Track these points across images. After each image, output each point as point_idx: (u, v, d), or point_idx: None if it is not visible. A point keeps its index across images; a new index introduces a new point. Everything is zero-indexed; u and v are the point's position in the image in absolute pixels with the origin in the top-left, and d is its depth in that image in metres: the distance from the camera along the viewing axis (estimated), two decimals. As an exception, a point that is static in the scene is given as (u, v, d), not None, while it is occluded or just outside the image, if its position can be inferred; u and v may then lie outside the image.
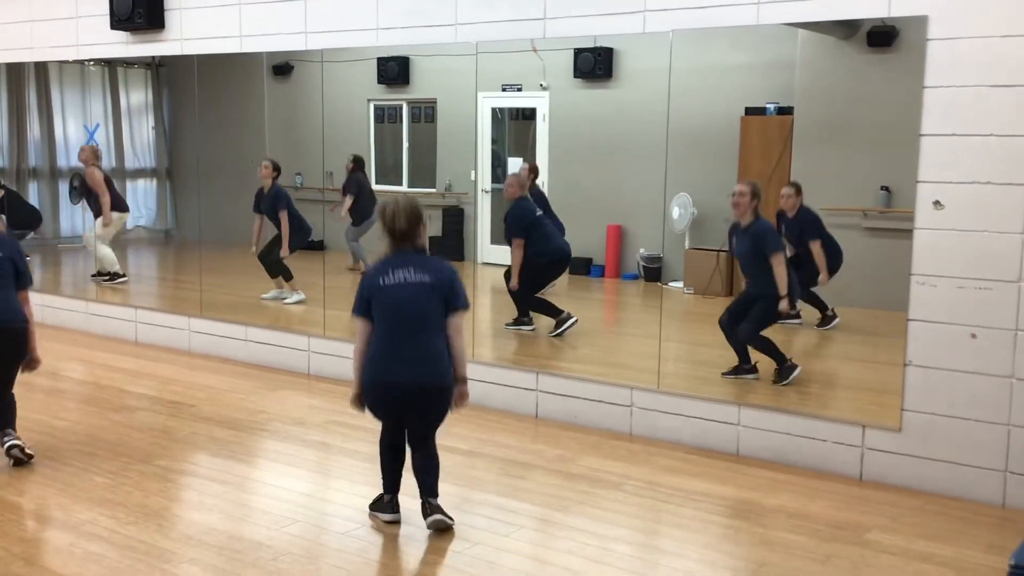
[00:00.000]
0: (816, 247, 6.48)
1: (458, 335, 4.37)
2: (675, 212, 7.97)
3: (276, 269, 9.05)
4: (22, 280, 5.35)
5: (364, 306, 4.35)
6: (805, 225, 6.52)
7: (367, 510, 4.68)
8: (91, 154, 9.95)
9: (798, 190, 6.56)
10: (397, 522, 4.55)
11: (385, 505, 4.59)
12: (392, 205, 4.33)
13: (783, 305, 6.11)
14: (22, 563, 4.16)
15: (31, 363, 5.41)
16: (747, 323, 6.19)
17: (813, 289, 6.61)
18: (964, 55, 4.85)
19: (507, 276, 7.87)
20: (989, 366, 4.91)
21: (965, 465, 5.02)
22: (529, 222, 7.74)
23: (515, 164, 8.70)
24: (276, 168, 8.99)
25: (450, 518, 4.44)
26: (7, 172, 10.72)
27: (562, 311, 7.64)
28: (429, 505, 4.43)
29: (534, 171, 8.35)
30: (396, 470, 4.57)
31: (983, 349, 4.91)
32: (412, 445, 4.48)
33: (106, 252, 9.94)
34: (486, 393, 6.62)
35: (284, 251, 8.93)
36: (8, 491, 4.99)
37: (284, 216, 8.94)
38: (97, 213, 9.86)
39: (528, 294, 7.77)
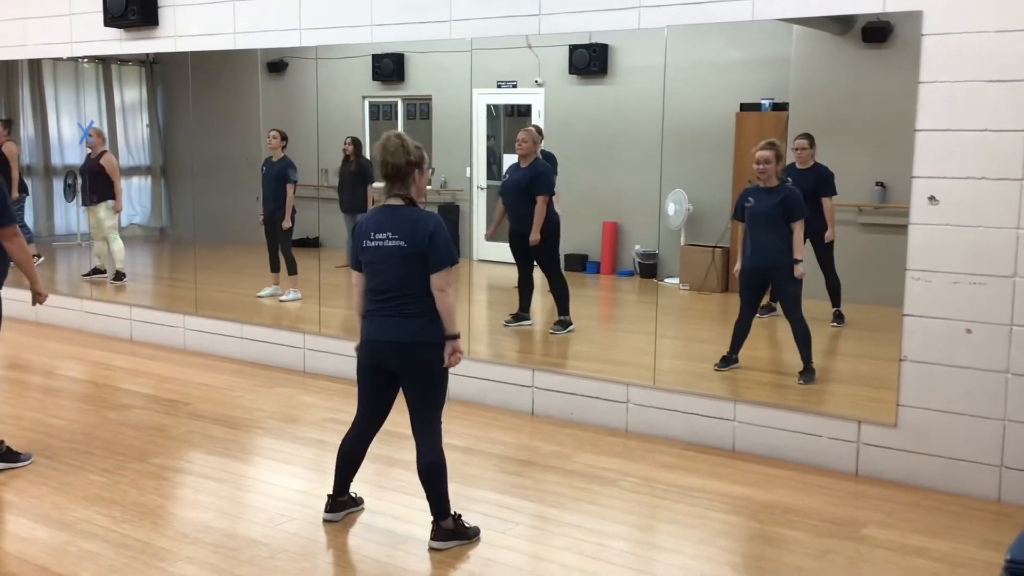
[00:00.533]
0: (828, 203, 6.36)
1: (441, 293, 4.16)
2: (671, 208, 7.97)
3: (285, 260, 8.99)
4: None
5: (355, 261, 4.32)
6: (822, 181, 6.35)
7: (363, 508, 4.69)
8: (101, 139, 9.90)
9: (812, 142, 6.44)
10: (330, 521, 4.56)
11: (326, 502, 4.60)
12: (395, 139, 4.15)
13: (799, 270, 6.12)
14: (18, 562, 4.15)
15: (37, 296, 5.30)
16: (790, 313, 6.14)
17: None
18: (958, 50, 4.85)
19: (522, 278, 7.77)
20: (984, 361, 4.92)
21: (960, 460, 5.03)
22: (554, 180, 7.67)
23: (510, 160, 8.67)
24: (284, 138, 8.96)
25: (440, 548, 4.28)
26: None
27: (568, 314, 7.61)
28: (434, 528, 4.31)
29: (540, 133, 8.27)
30: (341, 473, 4.56)
31: (978, 344, 4.92)
32: (414, 431, 4.31)
33: (121, 245, 9.93)
34: (482, 390, 6.62)
35: (287, 223, 8.89)
36: (3, 489, 4.99)
37: (291, 189, 8.88)
38: (95, 200, 9.80)
39: (556, 257, 7.70)
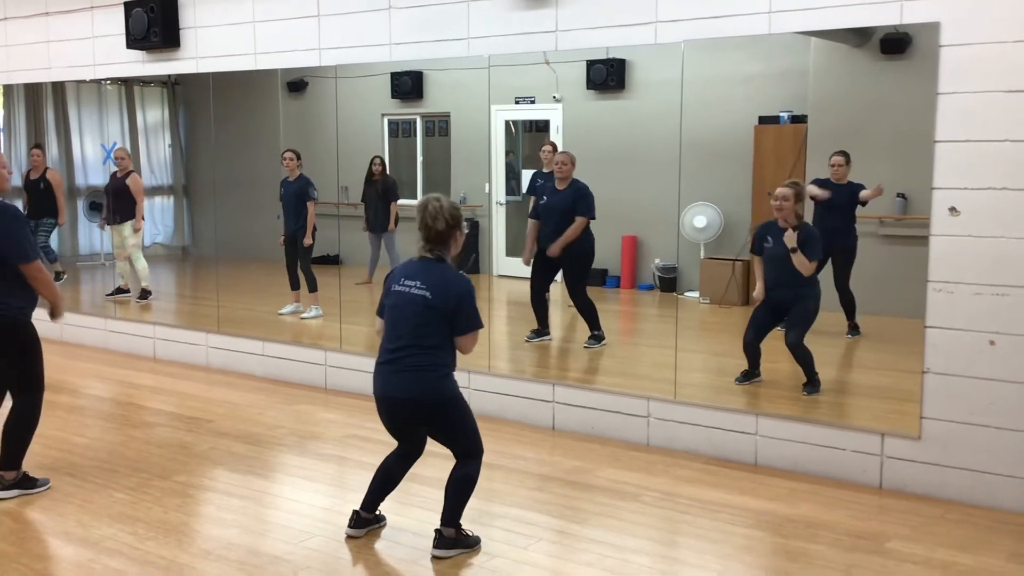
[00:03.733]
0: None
1: (466, 351, 4.31)
2: (700, 221, 7.96)
3: (305, 277, 9.05)
4: (18, 256, 4.92)
5: (381, 306, 4.38)
6: (855, 197, 6.40)
7: (386, 524, 4.70)
8: (129, 158, 9.98)
9: (848, 159, 6.50)
10: (353, 537, 4.57)
11: (350, 517, 4.62)
12: (435, 203, 4.23)
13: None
14: (43, 580, 4.19)
15: (56, 312, 5.31)
16: (793, 333, 6.12)
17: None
18: (977, 61, 4.84)
19: (536, 296, 7.77)
20: (1008, 372, 4.88)
21: (986, 473, 4.98)
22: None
23: (529, 176, 8.70)
24: (299, 157, 9.06)
25: (443, 556, 4.33)
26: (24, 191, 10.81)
27: (600, 328, 7.59)
28: (437, 536, 4.36)
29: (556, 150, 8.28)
30: (375, 490, 4.58)
31: (1002, 355, 4.88)
32: (454, 455, 4.43)
33: (145, 264, 10.04)
34: (503, 405, 6.63)
35: (308, 239, 8.96)
36: (28, 508, 5.03)
37: (312, 206, 8.96)
38: (119, 219, 9.91)
39: (585, 279, 7.68)
